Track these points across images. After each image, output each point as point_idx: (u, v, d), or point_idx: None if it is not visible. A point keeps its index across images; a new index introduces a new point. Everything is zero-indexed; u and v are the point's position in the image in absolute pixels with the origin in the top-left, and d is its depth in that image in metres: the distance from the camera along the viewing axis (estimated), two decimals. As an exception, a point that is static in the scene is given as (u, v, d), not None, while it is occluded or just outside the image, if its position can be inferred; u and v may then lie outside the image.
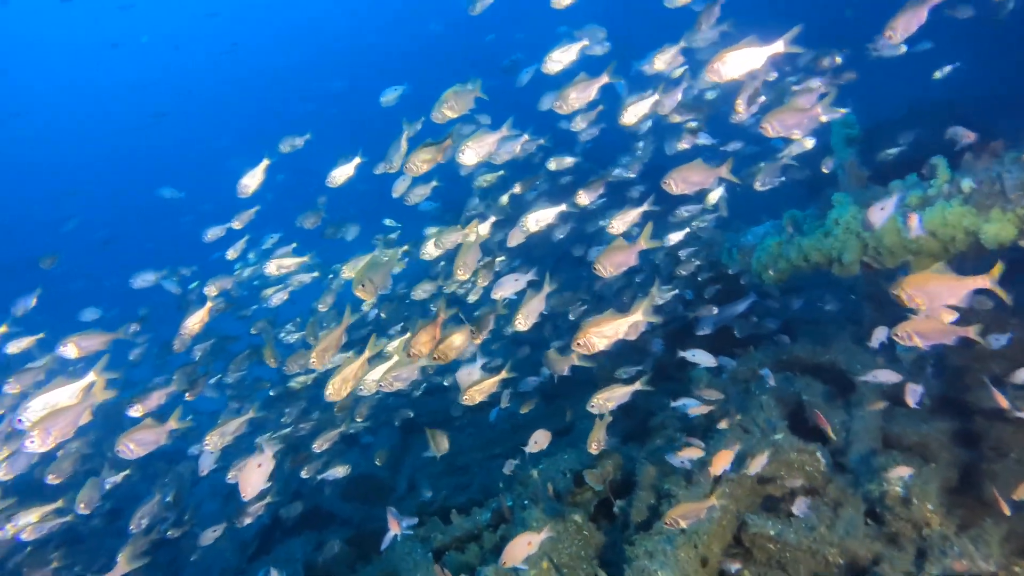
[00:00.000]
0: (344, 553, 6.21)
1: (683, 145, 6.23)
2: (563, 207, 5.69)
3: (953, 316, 3.67)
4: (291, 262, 6.19)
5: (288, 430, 6.92)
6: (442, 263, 6.91)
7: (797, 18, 4.10)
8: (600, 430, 4.38)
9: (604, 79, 5.18)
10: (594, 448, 4.35)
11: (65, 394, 3.66)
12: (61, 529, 4.87)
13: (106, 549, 6.26)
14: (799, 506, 4.04)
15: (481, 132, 4.76)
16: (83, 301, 8.45)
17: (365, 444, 8.70)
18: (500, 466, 6.27)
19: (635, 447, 5.82)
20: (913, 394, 4.34)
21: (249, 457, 3.79)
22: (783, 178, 6.57)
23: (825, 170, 6.81)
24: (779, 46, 3.98)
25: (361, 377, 4.03)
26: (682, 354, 5.38)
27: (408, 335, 6.03)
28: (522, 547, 3.74)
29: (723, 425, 4.93)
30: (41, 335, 5.77)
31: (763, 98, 5.64)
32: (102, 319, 8.18)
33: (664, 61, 5.94)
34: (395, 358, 5.21)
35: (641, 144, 7.30)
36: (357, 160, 5.62)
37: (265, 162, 5.40)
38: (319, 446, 5.75)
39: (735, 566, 4.04)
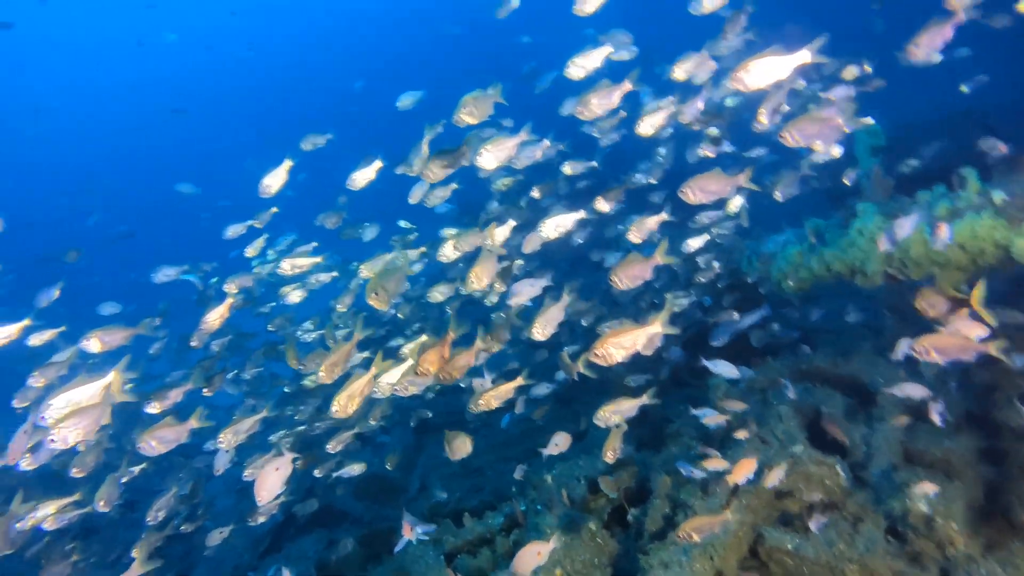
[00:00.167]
0: (355, 552, 6.22)
1: (707, 153, 6.17)
2: (582, 214, 5.67)
3: (982, 331, 3.60)
4: (305, 262, 6.21)
5: (302, 428, 6.96)
6: (460, 265, 6.91)
7: (825, 27, 4.06)
8: (616, 439, 4.35)
9: (627, 86, 5.16)
10: (610, 457, 4.32)
11: (86, 392, 3.69)
12: (78, 520, 4.91)
13: (121, 540, 6.32)
14: (816, 522, 3.98)
15: (500, 136, 4.72)
16: (102, 295, 8.57)
17: (379, 443, 8.72)
18: (513, 469, 6.26)
19: (650, 454, 5.78)
20: (937, 410, 4.26)
21: (267, 459, 3.79)
22: (799, 191, 6.51)
23: (847, 182, 6.73)
24: (805, 55, 3.93)
25: (368, 394, 4.01)
26: (704, 363, 5.33)
27: (419, 344, 6.08)
28: (532, 556, 3.72)
29: (741, 435, 4.88)
30: (63, 328, 5.82)
31: (786, 108, 5.58)
32: (121, 314, 8.28)
33: (685, 70, 5.90)
34: (409, 361, 5.22)
35: (663, 150, 7.26)
36: (378, 164, 5.62)
37: (288, 163, 5.42)
38: (333, 447, 5.76)
39: (751, 579, 4.00)
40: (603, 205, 6.39)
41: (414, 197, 6.39)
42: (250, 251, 7.01)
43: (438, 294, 6.65)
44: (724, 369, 5.18)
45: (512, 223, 5.52)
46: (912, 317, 4.41)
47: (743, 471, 4.07)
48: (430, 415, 7.87)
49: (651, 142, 7.32)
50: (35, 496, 4.66)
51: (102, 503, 4.51)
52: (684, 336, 7.26)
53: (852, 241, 5.14)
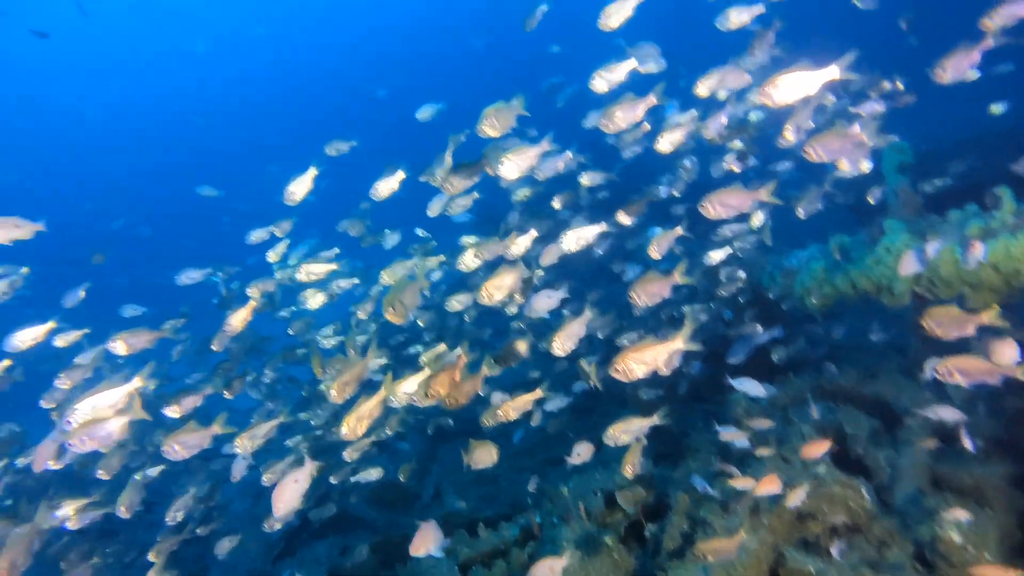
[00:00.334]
0: (369, 560, 6.21)
1: (732, 167, 6.14)
2: (604, 226, 5.65)
3: (1013, 354, 3.51)
4: (321, 268, 6.25)
5: (319, 433, 6.98)
6: (480, 274, 6.92)
7: (857, 43, 4.02)
8: (636, 453, 4.30)
9: (652, 100, 5.16)
10: (629, 471, 4.27)
11: (111, 398, 3.78)
12: (97, 522, 4.95)
13: (138, 542, 6.36)
14: (839, 546, 3.89)
15: (522, 146, 4.69)
16: (125, 297, 8.68)
17: (396, 450, 8.70)
18: (528, 479, 6.23)
19: (667, 469, 5.71)
20: (968, 435, 4.15)
21: (287, 468, 3.82)
22: (821, 207, 6.44)
23: (871, 200, 6.64)
24: (834, 71, 3.89)
25: (378, 416, 4.02)
26: (730, 381, 5.25)
27: (435, 354, 6.08)
28: (545, 572, 3.68)
29: (763, 453, 4.81)
30: (87, 330, 5.91)
31: (811, 124, 5.54)
32: (141, 316, 8.39)
33: (708, 86, 5.89)
34: (427, 371, 5.21)
35: (687, 163, 7.22)
36: (401, 174, 5.66)
37: (313, 171, 5.46)
38: (350, 455, 5.77)
39: (772, 601, 3.92)
40: (625, 218, 6.38)
41: (433, 210, 6.43)
42: (272, 256, 7.07)
43: (456, 303, 6.65)
44: (750, 388, 5.10)
45: (534, 233, 5.51)
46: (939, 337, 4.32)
47: (769, 486, 4.00)
48: (451, 422, 7.84)
49: (674, 155, 7.32)
50: (57, 496, 4.72)
51: (123, 508, 4.53)
52: (704, 351, 7.18)
53: (879, 259, 5.06)
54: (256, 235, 6.77)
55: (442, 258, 7.14)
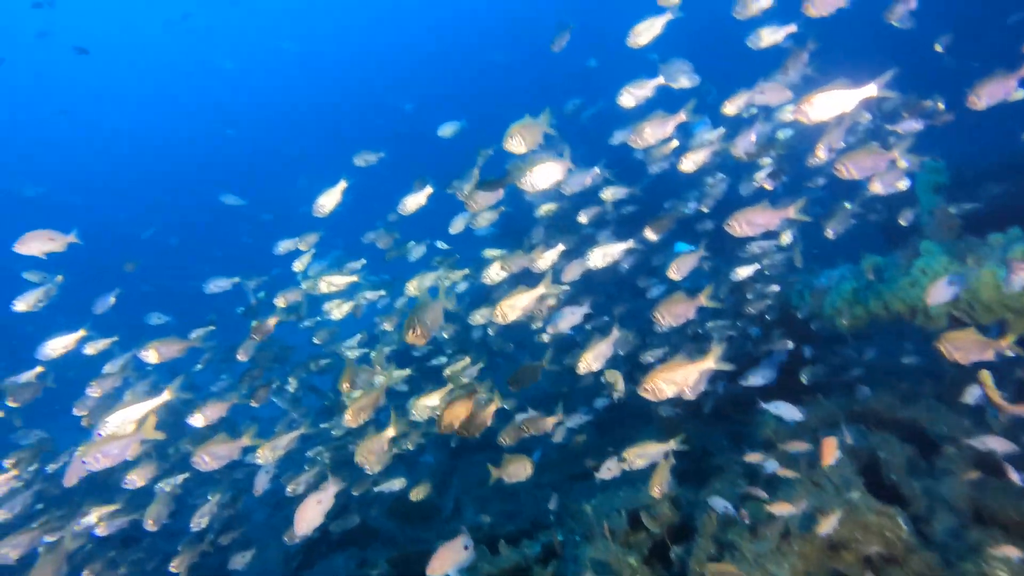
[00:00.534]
0: (388, 574, 6.16)
1: (765, 185, 6.08)
2: (631, 243, 5.63)
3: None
4: (341, 280, 6.28)
5: (340, 442, 6.97)
6: (504, 287, 6.91)
7: (894, 62, 3.96)
8: (664, 472, 4.22)
9: (681, 117, 5.16)
10: (657, 492, 4.19)
11: (140, 411, 3.88)
12: (120, 531, 4.98)
13: (159, 550, 6.39)
14: None
15: (548, 160, 4.64)
16: (151, 306, 8.81)
17: (417, 463, 8.68)
18: (549, 495, 6.15)
19: (692, 489, 5.60)
20: (1015, 467, 4.00)
21: (312, 487, 3.87)
22: (849, 226, 6.34)
23: (903, 222, 6.52)
24: (871, 89, 3.84)
25: (387, 451, 4.16)
26: (764, 405, 5.15)
27: (461, 365, 6.08)
28: None
29: (785, 474, 4.67)
30: (115, 338, 5.99)
31: (841, 144, 5.48)
32: (165, 325, 8.50)
33: (737, 105, 5.86)
34: (450, 385, 5.21)
35: (712, 180, 7.17)
36: (428, 189, 5.71)
37: (343, 184, 5.53)
38: (371, 469, 5.74)
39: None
40: (652, 234, 6.34)
41: (456, 227, 6.46)
42: (297, 266, 7.13)
43: (480, 317, 6.64)
44: (785, 412, 4.98)
45: (561, 247, 5.49)
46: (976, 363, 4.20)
47: (830, 450, 3.93)
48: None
49: (701, 171, 7.28)
50: (85, 502, 4.77)
51: (151, 521, 4.54)
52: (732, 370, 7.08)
53: (915, 280, 4.95)
54: (284, 246, 6.83)
55: (466, 271, 7.16)
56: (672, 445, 4.37)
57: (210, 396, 5.39)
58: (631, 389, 5.07)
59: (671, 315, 4.48)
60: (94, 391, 5.14)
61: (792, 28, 5.63)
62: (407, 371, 6.19)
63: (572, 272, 5.79)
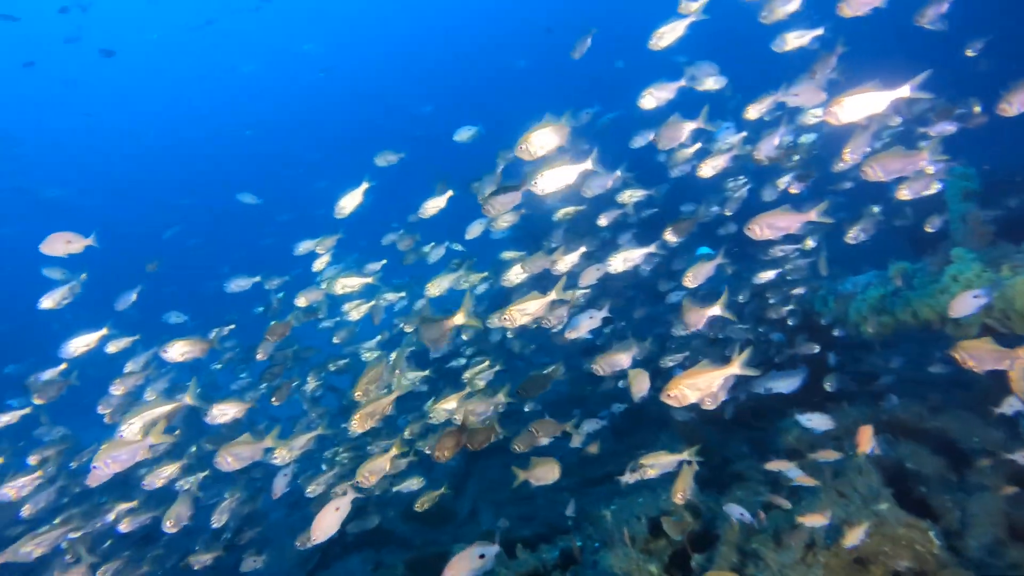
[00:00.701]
0: (404, 576, 6.15)
1: (792, 190, 6.00)
2: (652, 248, 5.59)
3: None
4: (356, 282, 6.30)
5: (356, 442, 6.97)
6: (524, 289, 6.87)
7: (924, 66, 3.87)
8: (687, 478, 4.15)
9: (699, 123, 5.15)
10: (679, 498, 4.13)
11: (159, 413, 3.97)
12: (141, 527, 5.01)
13: (177, 548, 6.42)
14: None
15: (562, 164, 4.52)
16: (170, 305, 8.90)
17: (433, 464, 8.65)
18: (566, 499, 6.09)
19: (712, 497, 5.52)
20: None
21: (333, 489, 3.92)
22: (873, 232, 6.24)
23: (930, 228, 6.40)
24: (904, 91, 3.76)
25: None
26: (797, 417, 5.06)
27: (477, 372, 6.07)
28: None
29: (804, 482, 4.57)
30: (137, 336, 6.04)
31: (867, 149, 5.39)
32: (184, 324, 8.58)
33: (759, 110, 5.80)
34: (468, 389, 5.20)
35: (736, 183, 7.09)
36: (449, 193, 5.73)
37: (364, 185, 5.55)
38: (390, 469, 5.73)
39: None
40: (672, 236, 6.28)
41: (473, 232, 6.46)
42: (317, 266, 7.15)
43: (497, 320, 6.60)
44: (818, 422, 4.88)
45: (583, 249, 5.45)
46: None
47: (865, 437, 3.86)
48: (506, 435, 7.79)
49: (722, 175, 7.21)
50: (108, 499, 4.80)
51: (170, 523, 4.55)
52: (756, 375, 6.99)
53: (945, 287, 4.83)
54: (303, 246, 6.86)
55: (484, 274, 7.14)
56: (685, 455, 4.34)
57: (230, 395, 5.40)
58: (651, 394, 5.04)
59: (689, 322, 4.46)
60: (117, 389, 5.20)
61: (819, 31, 5.56)
62: (425, 372, 6.17)
63: (590, 276, 5.75)
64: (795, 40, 5.65)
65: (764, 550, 4.19)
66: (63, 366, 5.62)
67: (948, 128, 5.20)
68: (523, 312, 4.72)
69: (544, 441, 5.33)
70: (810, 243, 6.58)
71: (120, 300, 6.74)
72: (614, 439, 8.10)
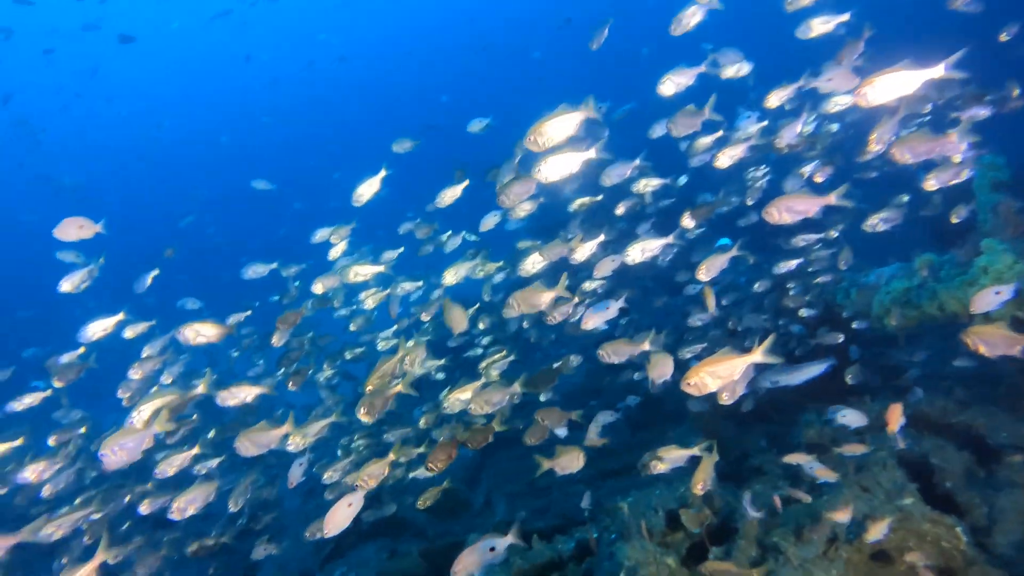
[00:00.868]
0: (419, 566, 6.14)
1: (817, 177, 5.89)
2: (670, 239, 5.51)
3: None
4: (368, 270, 6.28)
5: (370, 428, 6.97)
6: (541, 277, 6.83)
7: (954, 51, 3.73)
8: (707, 469, 4.08)
9: (705, 113, 5.10)
10: (699, 489, 4.06)
11: (170, 403, 4.06)
12: (161, 509, 5.04)
13: (193, 532, 6.47)
14: None
15: (568, 151, 4.35)
16: (188, 293, 8.97)
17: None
18: (581, 491, 6.05)
19: (731, 491, 5.45)
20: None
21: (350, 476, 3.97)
22: (897, 222, 6.11)
23: (955, 219, 6.24)
24: (939, 70, 3.60)
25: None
26: (831, 415, 4.97)
27: (492, 361, 6.06)
28: None
29: (823, 476, 4.48)
30: (153, 322, 6.09)
31: (893, 138, 5.26)
32: (198, 311, 8.63)
33: (779, 97, 5.69)
34: (483, 379, 5.18)
35: (757, 171, 6.97)
36: (466, 182, 5.70)
37: (382, 172, 5.53)
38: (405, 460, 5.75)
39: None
40: (690, 221, 6.19)
41: (486, 225, 6.42)
42: (334, 253, 7.14)
43: (512, 310, 6.56)
44: (852, 418, 4.78)
45: (602, 237, 5.39)
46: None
47: (895, 415, 3.81)
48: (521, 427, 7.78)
49: (741, 165, 7.10)
50: (127, 483, 4.83)
51: (177, 507, 4.55)
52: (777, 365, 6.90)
53: (974, 279, 4.71)
54: (320, 234, 6.85)
55: (500, 263, 7.10)
56: (695, 451, 4.31)
57: (244, 381, 5.43)
58: (670, 386, 4.97)
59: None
60: (135, 373, 5.25)
61: (845, 17, 5.43)
62: (441, 361, 6.17)
63: (606, 267, 5.69)
64: (820, 26, 5.53)
65: (785, 544, 4.12)
66: (81, 350, 5.68)
67: (981, 112, 5.05)
68: (526, 301, 4.83)
69: (561, 432, 5.33)
70: (833, 234, 6.46)
71: (137, 283, 6.81)
72: (630, 432, 8.05)
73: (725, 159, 5.81)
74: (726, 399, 3.96)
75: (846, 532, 4.03)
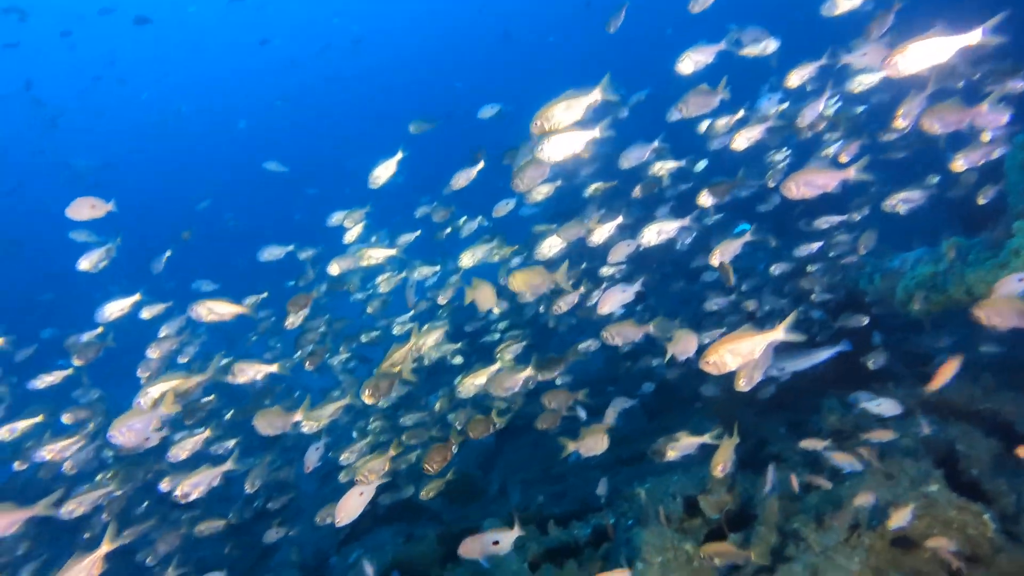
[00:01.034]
0: (435, 550, 6.15)
1: (842, 157, 5.76)
2: (686, 221, 5.41)
3: None
4: (380, 254, 6.26)
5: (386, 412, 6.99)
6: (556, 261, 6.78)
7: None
8: (727, 451, 4.02)
9: (719, 93, 5.00)
10: (719, 471, 4.00)
11: (178, 386, 4.13)
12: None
13: (214, 512, 6.54)
14: None
15: (570, 130, 4.04)
16: (203, 276, 9.03)
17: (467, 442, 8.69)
18: (597, 477, 6.02)
19: (748, 476, 5.38)
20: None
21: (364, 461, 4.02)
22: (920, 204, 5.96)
23: (982, 200, 6.07)
24: (975, 36, 3.37)
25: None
26: (863, 405, 4.86)
27: (506, 346, 6.03)
28: None
29: (847, 460, 4.40)
30: (170, 303, 6.12)
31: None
32: (215, 292, 8.68)
33: (800, 76, 5.55)
34: (498, 364, 5.15)
35: (778, 153, 6.83)
36: (481, 164, 5.66)
37: (399, 155, 5.50)
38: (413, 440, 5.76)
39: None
40: (708, 199, 6.07)
41: (499, 211, 6.38)
42: (349, 238, 7.13)
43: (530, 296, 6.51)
44: (886, 407, 4.67)
45: (620, 219, 5.31)
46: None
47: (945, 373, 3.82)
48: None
49: (760, 148, 6.96)
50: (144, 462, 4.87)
51: (179, 493, 4.58)
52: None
53: (1005, 263, 4.58)
54: (335, 218, 6.83)
55: (516, 247, 7.05)
56: (706, 439, 4.27)
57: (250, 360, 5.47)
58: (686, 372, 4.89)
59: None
60: (153, 353, 5.31)
61: (872, -8, 5.25)
62: (457, 345, 6.15)
63: (621, 252, 5.61)
64: (847, 3, 5.36)
65: (806, 530, 4.06)
66: (99, 329, 5.74)
67: (1017, 84, 4.87)
68: (525, 281, 4.82)
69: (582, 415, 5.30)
70: (857, 217, 6.32)
71: (155, 263, 6.90)
72: (646, 419, 7.99)
73: (742, 141, 5.66)
74: (743, 385, 3.82)
75: (868, 519, 3.96)
